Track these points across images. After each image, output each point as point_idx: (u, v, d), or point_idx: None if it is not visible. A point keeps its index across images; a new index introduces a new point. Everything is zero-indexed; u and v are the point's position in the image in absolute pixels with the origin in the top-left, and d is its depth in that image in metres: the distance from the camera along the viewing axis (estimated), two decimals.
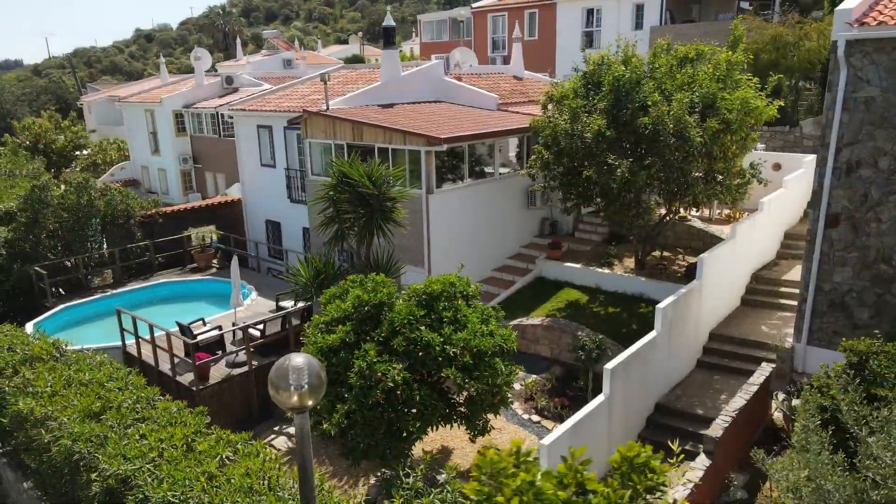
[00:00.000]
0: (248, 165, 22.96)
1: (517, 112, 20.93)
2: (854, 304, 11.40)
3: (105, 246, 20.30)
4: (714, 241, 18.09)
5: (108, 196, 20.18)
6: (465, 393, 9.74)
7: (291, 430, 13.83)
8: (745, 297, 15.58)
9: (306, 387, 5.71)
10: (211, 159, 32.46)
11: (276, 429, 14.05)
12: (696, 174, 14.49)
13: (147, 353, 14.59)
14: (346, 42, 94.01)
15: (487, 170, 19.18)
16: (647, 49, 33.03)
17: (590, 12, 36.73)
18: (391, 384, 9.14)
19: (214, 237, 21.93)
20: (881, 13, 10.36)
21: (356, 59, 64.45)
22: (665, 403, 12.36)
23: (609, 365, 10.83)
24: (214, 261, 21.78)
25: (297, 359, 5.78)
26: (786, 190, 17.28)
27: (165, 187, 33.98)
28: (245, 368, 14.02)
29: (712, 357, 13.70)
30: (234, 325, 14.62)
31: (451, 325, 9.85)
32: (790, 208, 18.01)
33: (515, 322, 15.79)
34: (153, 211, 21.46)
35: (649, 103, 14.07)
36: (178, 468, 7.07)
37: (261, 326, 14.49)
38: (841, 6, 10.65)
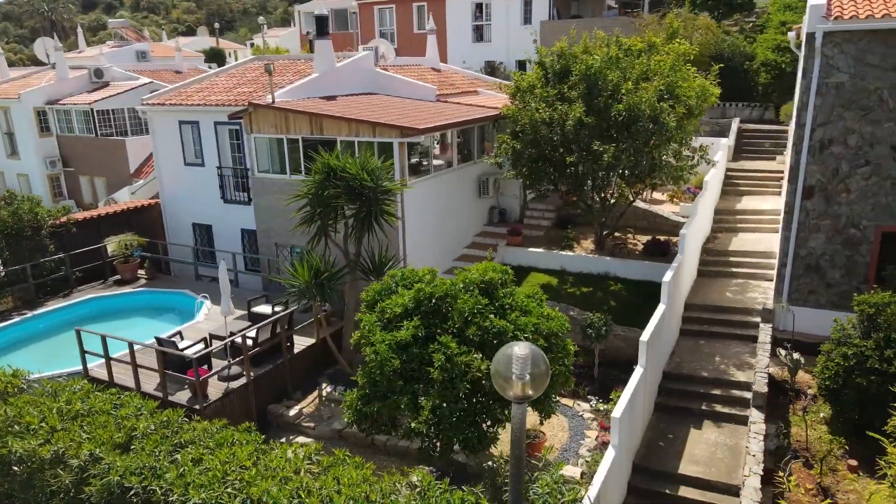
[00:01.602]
0: (167, 165, 21.06)
1: (458, 103, 21.14)
2: (827, 266, 13.00)
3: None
4: (658, 220, 19.61)
5: (13, 205, 17.61)
6: None
7: (299, 439, 13.11)
8: (700, 268, 17.03)
9: (528, 377, 5.64)
10: (85, 162, 29.37)
11: (281, 440, 13.20)
12: (664, 157, 15.60)
13: (122, 375, 13.08)
14: (191, 34, 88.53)
15: (437, 162, 19.21)
16: (539, 43, 34.62)
17: (479, 6, 37.65)
18: (478, 374, 9.05)
19: (137, 245, 19.90)
20: (849, 7, 11.85)
21: (215, 53, 60.95)
22: (670, 371, 13.27)
23: (644, 337, 11.47)
24: (141, 271, 19.80)
25: (520, 349, 5.71)
26: (716, 170, 19.06)
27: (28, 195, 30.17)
28: (243, 380, 13.05)
29: (692, 325, 14.87)
30: (231, 334, 13.49)
31: (514, 311, 9.92)
32: (717, 187, 19.90)
33: None
34: (63, 219, 19.06)
35: (623, 91, 14.92)
36: (268, 486, 6.66)
37: (252, 334, 13.52)
38: (813, 2, 12.05)
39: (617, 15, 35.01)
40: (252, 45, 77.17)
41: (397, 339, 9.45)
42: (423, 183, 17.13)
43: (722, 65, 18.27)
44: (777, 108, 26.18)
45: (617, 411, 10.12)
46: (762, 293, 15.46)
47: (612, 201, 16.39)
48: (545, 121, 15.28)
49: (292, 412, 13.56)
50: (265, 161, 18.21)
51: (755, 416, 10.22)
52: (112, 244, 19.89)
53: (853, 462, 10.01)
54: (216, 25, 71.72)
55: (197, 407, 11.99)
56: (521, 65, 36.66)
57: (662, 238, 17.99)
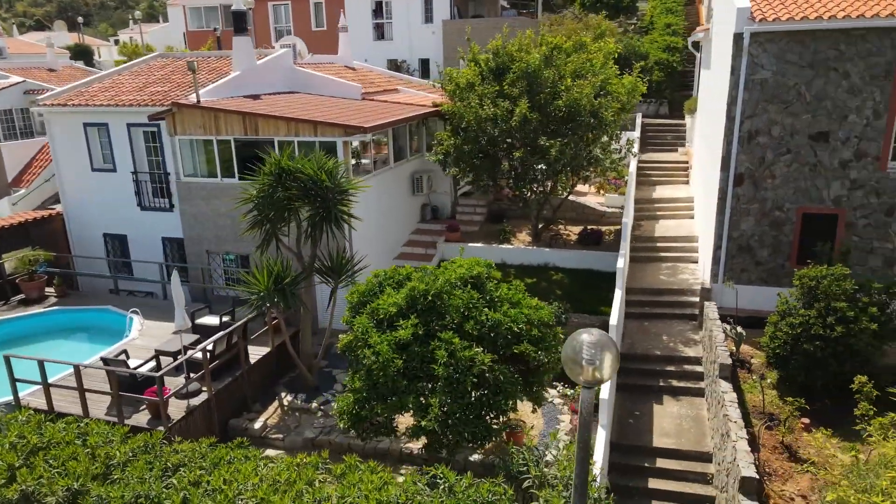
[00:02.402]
0: (71, 171, 19.32)
1: (385, 101, 21.01)
2: (756, 245, 14.28)
3: None
4: (586, 210, 20.58)
5: None
6: (530, 364, 10.11)
7: (269, 452, 12.57)
8: (631, 254, 18.07)
9: (598, 362, 5.87)
10: None
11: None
12: (597, 151, 16.43)
13: (63, 402, 11.93)
14: (41, 28, 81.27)
15: (365, 161, 19.03)
16: (443, 41, 34.96)
17: (378, 5, 37.42)
18: (483, 368, 9.18)
19: (42, 260, 18.12)
20: (770, 11, 13.07)
21: (81, 50, 56.51)
22: (625, 352, 14.01)
23: (612, 321, 12.09)
24: (49, 289, 18.05)
25: (590, 335, 5.91)
26: (633, 162, 20.28)
27: None
28: (204, 396, 12.32)
29: (635, 307, 15.79)
30: (186, 348, 12.67)
31: (503, 303, 10.13)
32: (635, 178, 21.17)
33: None
34: None
35: (562, 88, 15.55)
36: (287, 501, 6.56)
37: (209, 346, 12.79)
38: (740, 5, 13.17)
39: (516, 15, 36.13)
40: (117, 41, 71.96)
41: (398, 338, 9.36)
42: (369, 182, 16.90)
43: (643, 62, 19.46)
44: (671, 103, 28.22)
45: (604, 394, 10.64)
46: (691, 274, 16.70)
47: (551, 194, 17.02)
48: (490, 117, 15.59)
49: (257, 425, 12.98)
50: (192, 164, 17.20)
51: (724, 385, 11.09)
52: (12, 260, 18.00)
53: (805, 420, 11.13)
54: (79, 20, 66.17)
55: (161, 428, 11.19)
56: (425, 63, 36.97)
57: (595, 228, 18.90)
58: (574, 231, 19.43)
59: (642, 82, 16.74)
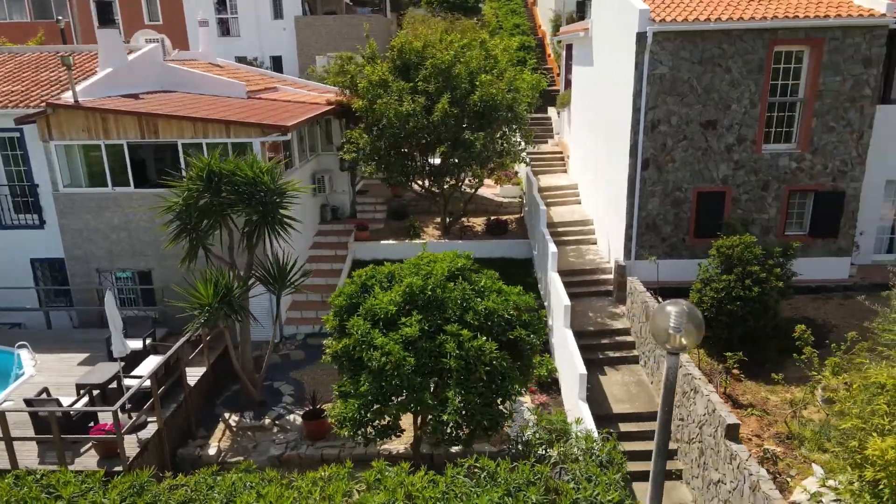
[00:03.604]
0: None
1: (274, 99, 20.08)
2: (661, 223, 15.89)
3: None
4: (485, 202, 21.36)
5: None
6: (521, 348, 10.46)
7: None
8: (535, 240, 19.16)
9: (683, 330, 6.46)
10: None
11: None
12: (509, 142, 17.20)
13: None
14: None
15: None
16: (296, 37, 34.05)
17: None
18: (493, 355, 9.39)
19: None
20: (667, 13, 14.61)
21: None
22: None
23: (566, 301, 12.86)
24: None
25: (674, 307, 6.48)
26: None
27: None
28: (153, 427, 11.11)
29: None
30: (118, 379, 11.26)
31: (490, 293, 10.39)
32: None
33: None
34: None
35: (477, 83, 16.05)
36: None
37: (142, 372, 11.53)
38: (640, 7, 14.55)
39: (370, 12, 36.07)
40: None
41: (406, 336, 9.24)
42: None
43: (534, 59, 20.55)
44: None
45: (581, 369, 11.35)
46: (595, 254, 18.13)
47: (460, 187, 17.51)
48: (410, 113, 15.65)
49: (211, 451, 11.97)
50: (73, 173, 15.23)
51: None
52: None
53: (736, 371, 12.73)
54: None
55: (119, 468, 9.93)
56: (277, 61, 35.61)
57: (499, 217, 19.71)
58: (478, 222, 20.10)
59: (544, 79, 17.79)
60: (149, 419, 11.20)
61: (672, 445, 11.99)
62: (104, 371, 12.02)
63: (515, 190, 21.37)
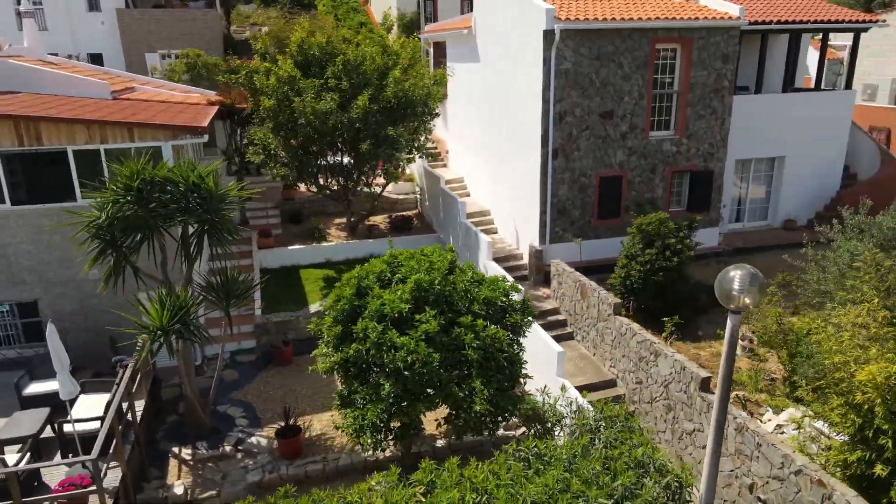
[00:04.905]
0: None
1: (146, 99, 18.08)
2: (570, 207, 17.05)
3: None
4: (381, 199, 21.20)
5: None
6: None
7: None
8: (441, 233, 19.51)
9: (746, 291, 7.31)
10: None
11: None
12: (421, 139, 17.33)
13: None
14: None
15: None
16: (120, 32, 31.08)
17: None
18: (509, 341, 9.62)
19: None
20: (569, 12, 15.69)
21: None
22: None
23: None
24: None
25: (737, 270, 7.29)
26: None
27: None
28: (120, 473, 9.69)
29: None
30: (59, 425, 9.61)
31: (485, 283, 10.60)
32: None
33: (316, 310, 15.44)
34: None
35: (389, 79, 15.96)
36: None
37: (94, 414, 10.04)
38: (545, 6, 15.47)
39: (205, 7, 33.56)
40: None
41: (427, 332, 9.12)
42: None
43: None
44: None
45: (557, 347, 11.97)
46: (502, 242, 18.93)
47: (368, 185, 17.32)
48: (328, 111, 15.13)
49: (177, 490, 10.70)
50: None
51: (624, 320, 13.36)
52: None
53: (663, 333, 14.20)
54: None
55: None
56: (97, 58, 31.86)
57: (402, 214, 19.74)
58: (379, 220, 19.96)
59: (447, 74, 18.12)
60: (113, 464, 9.74)
61: (630, 408, 13.09)
62: (28, 420, 10.19)
63: (409, 186, 21.50)
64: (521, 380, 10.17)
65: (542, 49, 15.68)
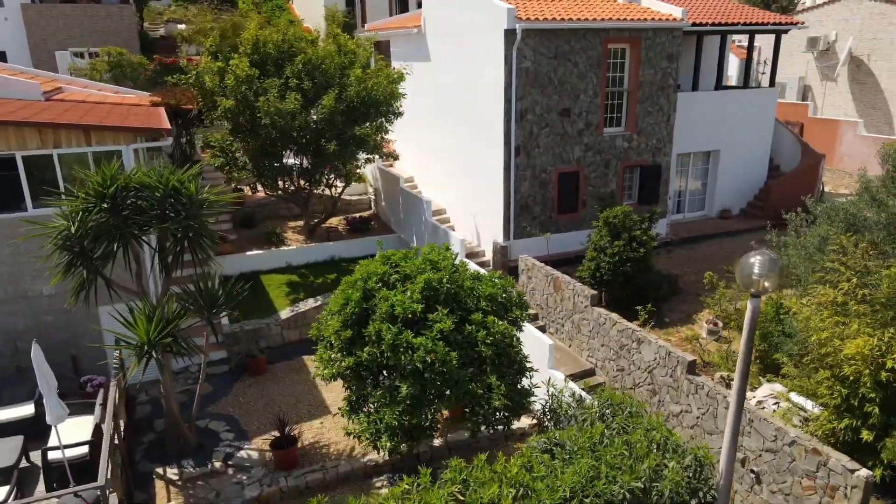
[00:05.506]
0: None
1: (83, 101, 16.91)
2: (532, 203, 17.38)
3: None
4: (336, 200, 20.81)
5: None
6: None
7: None
8: (402, 233, 19.41)
9: (766, 275, 7.77)
10: None
11: None
12: (382, 138, 17.16)
13: None
14: None
15: None
16: (26, 29, 29.06)
17: None
18: (517, 335, 9.74)
19: None
20: (528, 12, 15.98)
21: None
22: None
23: None
24: None
25: (757, 256, 7.73)
26: None
27: None
28: (116, 501, 9.08)
29: None
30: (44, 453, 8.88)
31: (485, 279, 10.67)
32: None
33: (288, 316, 15.00)
34: None
35: (352, 79, 15.71)
36: None
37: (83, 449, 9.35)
38: (506, 6, 15.69)
39: (120, 3, 31.64)
40: None
41: (441, 331, 9.09)
42: None
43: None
44: None
45: (548, 340, 12.23)
46: (462, 238, 19.03)
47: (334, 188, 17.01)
48: (292, 111, 14.72)
49: None
50: None
51: (602, 311, 13.79)
52: None
53: (637, 322, 14.77)
54: None
55: None
56: (1, 56, 29.38)
57: (359, 215, 19.48)
58: (335, 222, 19.61)
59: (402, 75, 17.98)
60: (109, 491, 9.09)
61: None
62: (3, 450, 9.35)
63: (361, 187, 21.24)
64: (527, 373, 10.32)
65: (504, 48, 15.92)
